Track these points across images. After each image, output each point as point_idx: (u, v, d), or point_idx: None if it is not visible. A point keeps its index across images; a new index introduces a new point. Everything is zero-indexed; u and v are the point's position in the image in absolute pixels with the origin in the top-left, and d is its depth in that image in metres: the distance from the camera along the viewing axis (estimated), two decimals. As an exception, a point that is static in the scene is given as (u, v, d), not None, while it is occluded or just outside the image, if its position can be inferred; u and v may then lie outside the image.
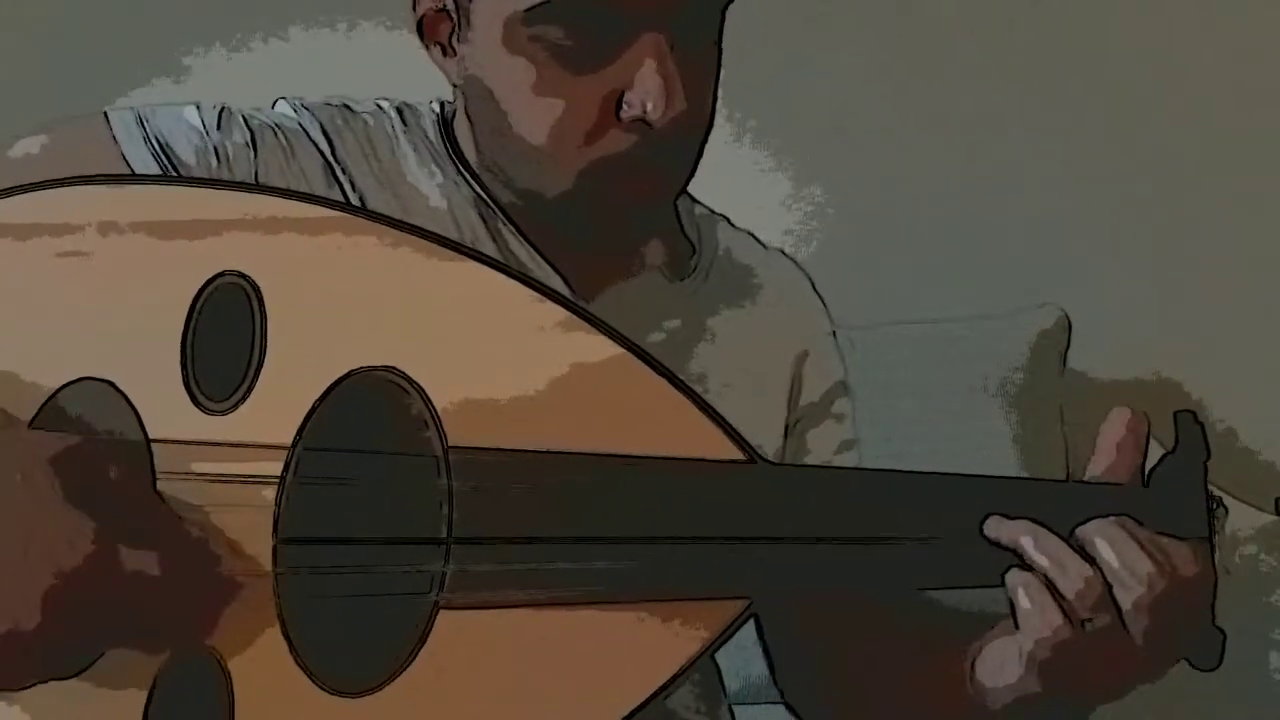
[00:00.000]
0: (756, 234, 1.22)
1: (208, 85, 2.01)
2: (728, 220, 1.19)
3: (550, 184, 1.01)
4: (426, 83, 1.12)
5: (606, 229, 1.05)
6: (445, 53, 1.05)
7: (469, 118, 1.07)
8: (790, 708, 1.16)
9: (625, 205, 1.02)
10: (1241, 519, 0.95)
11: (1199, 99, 2.07)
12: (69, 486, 0.80)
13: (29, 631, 0.78)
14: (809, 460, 1.14)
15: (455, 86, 1.07)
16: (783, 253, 1.21)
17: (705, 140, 1.04)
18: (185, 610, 0.84)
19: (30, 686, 0.84)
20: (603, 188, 1.00)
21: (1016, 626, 0.89)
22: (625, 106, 0.97)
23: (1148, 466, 0.93)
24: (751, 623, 1.14)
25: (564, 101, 0.98)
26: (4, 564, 0.79)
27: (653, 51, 0.96)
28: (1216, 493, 0.91)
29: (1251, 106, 2.07)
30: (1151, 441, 0.93)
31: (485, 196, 1.07)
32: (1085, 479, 0.92)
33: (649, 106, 0.96)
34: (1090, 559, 0.88)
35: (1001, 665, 0.92)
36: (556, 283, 1.06)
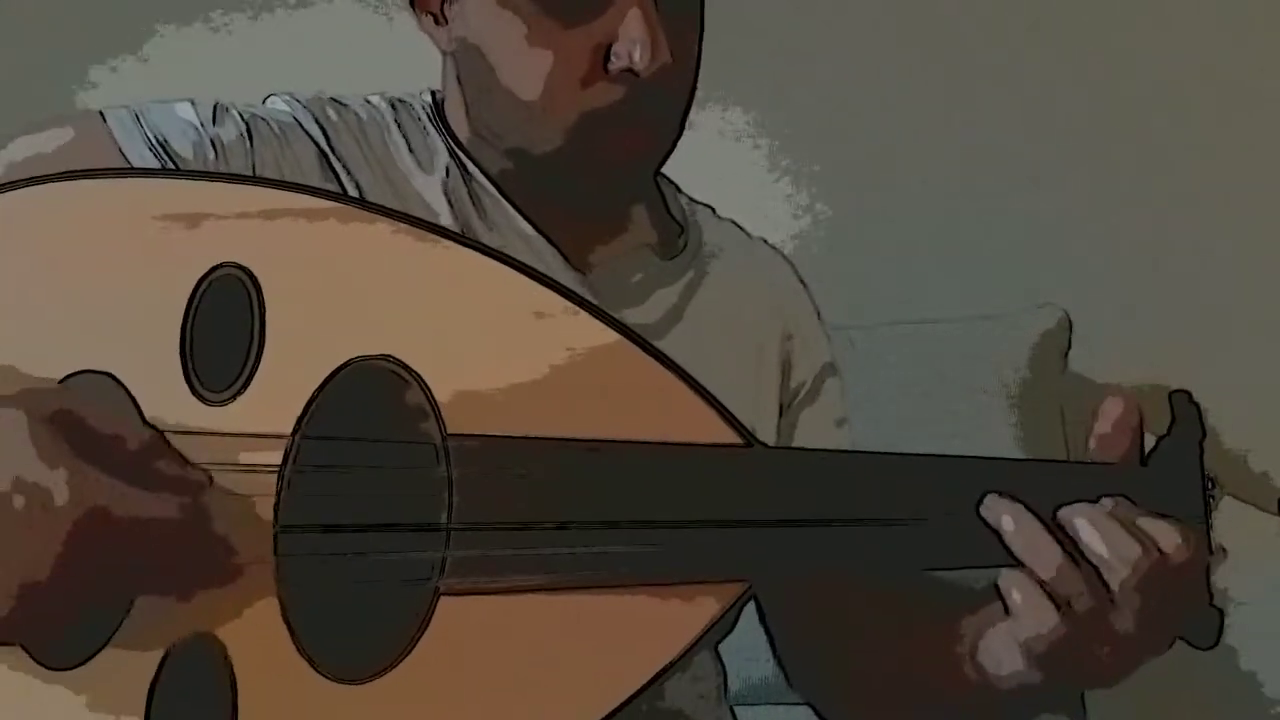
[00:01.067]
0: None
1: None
2: (711, 209, 1.21)
3: (540, 140, 1.03)
4: (419, 79, 1.14)
5: (595, 188, 1.07)
6: (437, 21, 1.08)
7: (460, 85, 1.09)
8: (793, 687, 1.17)
9: (613, 162, 1.04)
10: (1242, 518, 0.94)
11: (1199, 99, 2.08)
12: (72, 439, 0.80)
13: (43, 581, 0.79)
14: (805, 439, 1.16)
15: (445, 55, 1.09)
16: (765, 241, 1.22)
17: (689, 103, 1.07)
18: (195, 552, 0.84)
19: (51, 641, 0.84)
20: (591, 143, 1.02)
21: (1007, 612, 0.89)
22: (613, 58, 1.00)
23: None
24: (753, 619, 1.15)
25: (554, 53, 1.01)
26: (15, 517, 0.79)
27: (638, 3, 1.00)
28: (1212, 473, 0.91)
29: (1251, 107, 2.07)
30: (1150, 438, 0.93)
31: (476, 168, 1.08)
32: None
33: (635, 55, 0.99)
34: (1073, 541, 0.87)
35: (1000, 657, 0.93)
36: (549, 252, 1.07)
